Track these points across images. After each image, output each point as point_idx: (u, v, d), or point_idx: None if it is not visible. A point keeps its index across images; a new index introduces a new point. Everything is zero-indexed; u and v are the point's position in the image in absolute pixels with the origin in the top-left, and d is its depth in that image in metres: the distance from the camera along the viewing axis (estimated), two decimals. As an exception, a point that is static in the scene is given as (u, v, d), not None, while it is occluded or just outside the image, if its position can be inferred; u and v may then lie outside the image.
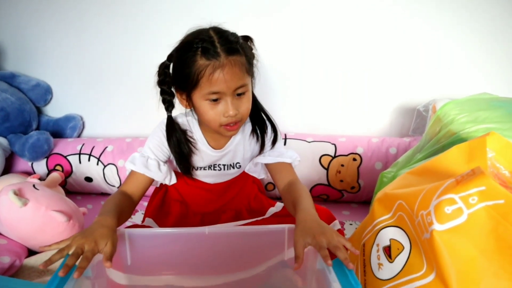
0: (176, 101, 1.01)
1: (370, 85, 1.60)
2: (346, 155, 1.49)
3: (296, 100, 1.65)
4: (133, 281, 0.91)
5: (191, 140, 1.03)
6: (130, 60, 1.69)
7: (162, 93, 0.99)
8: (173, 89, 1.00)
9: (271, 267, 0.98)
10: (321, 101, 1.64)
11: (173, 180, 1.09)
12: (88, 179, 1.62)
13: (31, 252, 1.22)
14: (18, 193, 1.15)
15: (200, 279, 0.96)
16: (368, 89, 1.61)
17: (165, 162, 1.06)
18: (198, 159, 1.06)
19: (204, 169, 1.08)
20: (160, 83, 0.99)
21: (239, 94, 0.92)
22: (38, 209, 1.15)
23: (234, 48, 0.90)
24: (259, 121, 1.06)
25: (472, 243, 0.60)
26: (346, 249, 0.71)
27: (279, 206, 1.16)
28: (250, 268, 0.98)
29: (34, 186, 1.23)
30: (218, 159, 1.08)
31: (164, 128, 1.02)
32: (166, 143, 1.02)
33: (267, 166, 1.09)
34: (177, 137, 1.01)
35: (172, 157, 1.06)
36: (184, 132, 1.03)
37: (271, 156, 1.07)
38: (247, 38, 0.98)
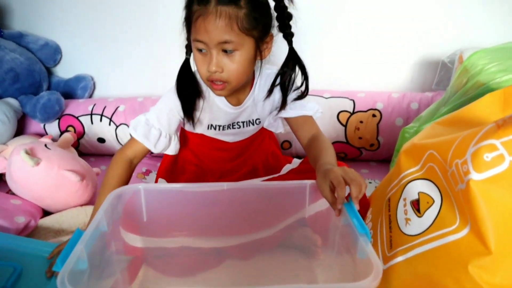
0: None
1: (390, 36, 1.52)
2: (365, 111, 1.43)
3: (313, 54, 1.58)
4: (149, 243, 0.89)
5: (200, 85, 0.97)
6: (140, 17, 1.63)
7: (187, 38, 0.93)
8: None
9: (289, 226, 0.95)
10: (339, 54, 1.57)
11: (170, 152, 1.05)
12: (101, 140, 1.59)
13: (46, 213, 1.20)
14: (30, 153, 1.13)
15: (216, 240, 0.94)
16: (388, 40, 1.53)
17: (169, 133, 1.01)
18: (216, 117, 1.01)
19: (223, 128, 1.03)
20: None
21: (225, 51, 0.84)
22: (51, 168, 1.13)
23: None
24: (288, 74, 0.97)
25: (513, 194, 0.55)
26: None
27: (295, 162, 1.13)
28: (269, 227, 0.95)
29: (46, 145, 1.21)
30: (237, 116, 1.02)
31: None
32: (178, 103, 0.97)
33: (288, 120, 1.04)
34: (188, 79, 0.96)
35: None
36: (195, 76, 0.97)
37: (292, 109, 1.01)
38: None
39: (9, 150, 1.38)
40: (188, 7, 0.85)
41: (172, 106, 0.97)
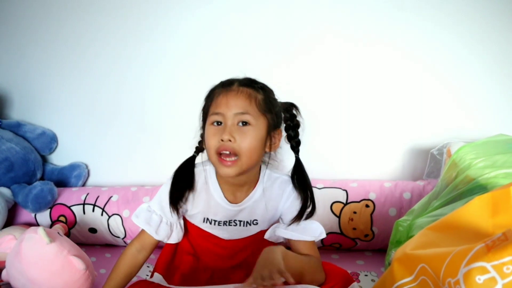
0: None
1: (382, 127, 1.57)
2: (359, 202, 1.44)
3: (306, 144, 1.61)
4: None
5: (194, 182, 1.00)
6: (135, 108, 1.68)
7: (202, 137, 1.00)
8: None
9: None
10: (332, 144, 1.61)
11: (173, 240, 1.04)
12: (92, 230, 1.57)
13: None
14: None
15: None
16: (379, 131, 1.57)
17: (170, 221, 1.02)
18: (212, 212, 1.01)
19: (219, 223, 1.02)
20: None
21: (243, 124, 0.89)
22: (61, 251, 1.15)
23: (249, 83, 0.92)
24: (304, 192, 0.99)
25: (508, 316, 0.53)
26: None
27: None
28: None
29: (58, 232, 1.24)
30: (235, 214, 1.01)
31: None
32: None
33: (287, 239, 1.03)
34: (188, 171, 0.99)
35: (188, 210, 1.02)
36: (193, 173, 1.00)
37: (294, 232, 0.99)
38: (291, 105, 1.01)
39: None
40: (211, 92, 0.95)
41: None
